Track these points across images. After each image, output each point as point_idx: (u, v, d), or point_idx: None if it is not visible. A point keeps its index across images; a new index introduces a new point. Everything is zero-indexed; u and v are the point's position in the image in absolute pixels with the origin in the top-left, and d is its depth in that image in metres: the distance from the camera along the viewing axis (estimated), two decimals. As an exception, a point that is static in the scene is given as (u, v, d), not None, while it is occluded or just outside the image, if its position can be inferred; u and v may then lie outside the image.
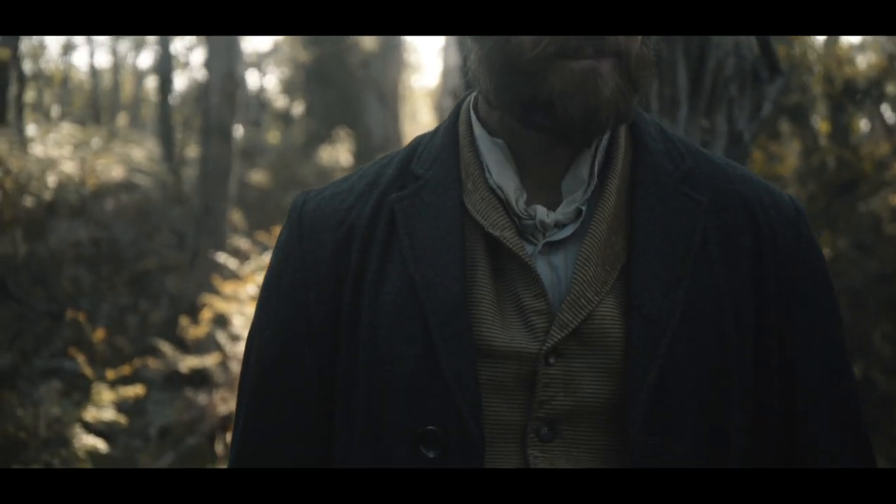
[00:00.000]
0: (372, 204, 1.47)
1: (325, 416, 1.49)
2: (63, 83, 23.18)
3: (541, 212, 1.41)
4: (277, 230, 8.35)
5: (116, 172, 12.74)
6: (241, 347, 6.77)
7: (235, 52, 9.97)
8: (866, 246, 7.42)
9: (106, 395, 5.74)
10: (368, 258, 1.44)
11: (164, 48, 17.48)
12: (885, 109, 10.22)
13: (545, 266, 1.40)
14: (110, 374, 6.01)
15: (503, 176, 1.43)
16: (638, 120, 1.48)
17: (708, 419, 1.38)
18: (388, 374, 1.40)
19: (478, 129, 1.47)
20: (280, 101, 24.48)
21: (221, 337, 7.05)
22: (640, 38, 1.34)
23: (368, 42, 18.93)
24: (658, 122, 1.52)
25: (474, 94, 1.52)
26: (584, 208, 1.42)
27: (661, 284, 1.38)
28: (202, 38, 20.61)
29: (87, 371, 5.97)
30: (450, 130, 1.51)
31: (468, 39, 1.44)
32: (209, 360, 7.00)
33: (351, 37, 18.59)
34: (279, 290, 1.51)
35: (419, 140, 1.55)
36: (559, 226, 1.41)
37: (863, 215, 7.86)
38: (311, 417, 1.49)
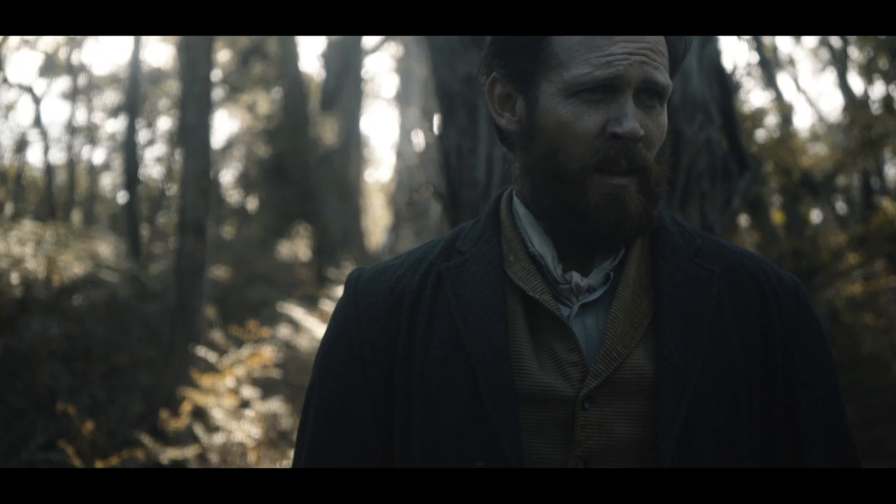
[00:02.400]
0: (421, 273, 1.74)
1: (379, 460, 1.70)
2: (17, 179, 23.11)
3: (576, 277, 1.66)
4: (251, 325, 8.47)
5: (80, 268, 12.77)
6: (218, 439, 6.88)
7: (209, 150, 10.15)
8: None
9: (95, 486, 5.79)
10: (418, 317, 1.69)
11: (130, 143, 17.56)
12: (837, 200, 10.57)
13: (578, 324, 1.65)
14: (99, 464, 6.09)
15: (544, 246, 1.68)
16: None
17: (724, 455, 1.61)
18: (440, 418, 1.63)
19: (522, 210, 1.73)
20: (235, 196, 24.57)
21: (199, 429, 7.13)
22: (656, 157, 1.62)
23: (329, 137, 19.15)
24: (669, 212, 1.78)
25: (510, 189, 1.80)
26: (612, 274, 1.67)
27: (685, 339, 1.61)
28: (173, 136, 20.72)
29: (77, 462, 6.04)
30: (491, 217, 1.78)
31: (507, 151, 1.74)
32: (189, 452, 7.07)
33: (311, 133, 18.78)
34: (337, 348, 1.76)
35: (462, 226, 1.82)
36: (590, 290, 1.66)
37: (820, 304, 8.11)
38: (367, 460, 1.70)
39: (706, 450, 1.59)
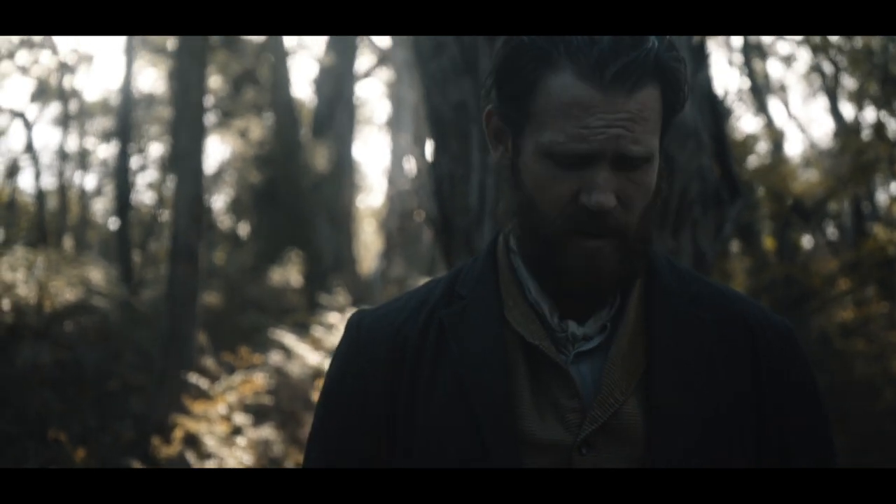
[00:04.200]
0: (423, 319, 1.73)
1: None
2: (8, 205, 23.09)
3: (572, 326, 1.66)
4: (243, 351, 8.45)
5: (71, 294, 12.77)
6: (209, 465, 6.86)
7: (202, 176, 10.16)
8: (817, 360, 7.67)
9: (87, 514, 5.78)
10: (421, 365, 1.69)
11: (122, 168, 17.56)
12: (828, 226, 10.60)
13: (576, 371, 1.65)
14: (91, 493, 6.07)
15: (540, 294, 1.68)
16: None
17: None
18: (441, 463, 1.62)
19: (517, 261, 1.73)
20: (227, 222, 24.59)
21: (191, 456, 7.11)
22: (637, 216, 1.60)
23: (321, 163, 19.18)
24: (665, 253, 1.79)
25: (508, 229, 1.79)
26: (609, 324, 1.67)
27: (678, 389, 1.62)
28: (167, 159, 20.73)
29: (68, 491, 6.01)
30: (488, 259, 1.77)
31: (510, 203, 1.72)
32: (180, 480, 7.05)
33: (303, 159, 18.81)
34: (340, 393, 1.76)
35: (461, 266, 1.82)
36: (586, 338, 1.67)
37: (812, 330, 8.13)
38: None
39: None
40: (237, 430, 7.16)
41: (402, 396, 1.69)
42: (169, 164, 20.67)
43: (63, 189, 23.47)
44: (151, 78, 25.78)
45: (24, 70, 21.11)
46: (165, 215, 22.53)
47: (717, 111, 4.73)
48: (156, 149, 24.83)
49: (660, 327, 1.67)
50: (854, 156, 8.08)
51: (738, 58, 15.53)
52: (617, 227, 1.57)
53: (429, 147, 4.52)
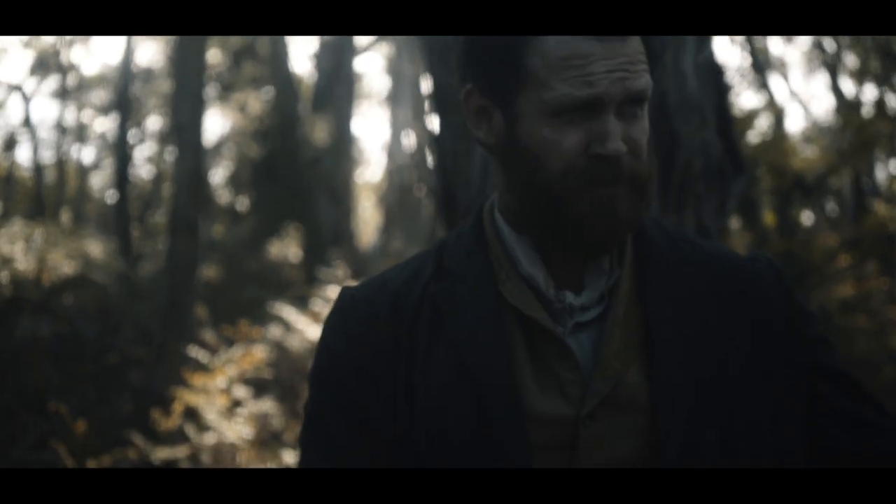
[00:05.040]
0: (417, 294, 1.70)
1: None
2: (6, 179, 23.09)
3: (570, 296, 1.64)
4: (243, 325, 8.46)
5: (70, 268, 12.77)
6: (209, 439, 6.87)
7: (202, 149, 10.15)
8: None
9: (87, 486, 5.80)
10: (417, 341, 1.66)
11: (121, 142, 17.53)
12: (828, 202, 10.60)
13: (575, 343, 1.63)
14: (92, 464, 6.08)
15: (533, 267, 1.66)
16: None
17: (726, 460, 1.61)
18: (446, 442, 1.60)
19: (505, 229, 1.71)
20: (225, 196, 24.58)
21: (190, 429, 7.12)
22: (643, 160, 1.59)
23: (320, 138, 19.15)
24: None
25: (492, 199, 1.77)
26: (606, 294, 1.66)
27: (678, 353, 1.61)
28: (165, 132, 20.67)
29: (69, 462, 6.03)
30: (474, 231, 1.75)
31: (497, 169, 1.70)
32: (180, 452, 7.06)
33: (302, 133, 18.78)
34: (338, 368, 1.70)
35: (446, 239, 1.79)
36: (584, 308, 1.65)
37: (813, 306, 8.13)
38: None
39: (707, 458, 1.59)
40: (237, 404, 7.16)
41: (400, 371, 1.65)
42: (169, 137, 20.62)
43: (61, 162, 23.47)
44: (150, 51, 25.73)
45: (23, 43, 21.06)
46: (164, 189, 22.52)
47: (720, 86, 4.71)
48: (154, 122, 24.82)
49: (655, 293, 1.66)
50: (856, 132, 8.07)
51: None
52: (629, 172, 1.56)
53: (432, 121, 4.50)
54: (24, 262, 11.71)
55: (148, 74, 23.30)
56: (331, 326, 1.75)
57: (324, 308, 8.95)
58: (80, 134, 25.51)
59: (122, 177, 16.83)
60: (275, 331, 9.17)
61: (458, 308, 1.65)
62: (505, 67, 1.58)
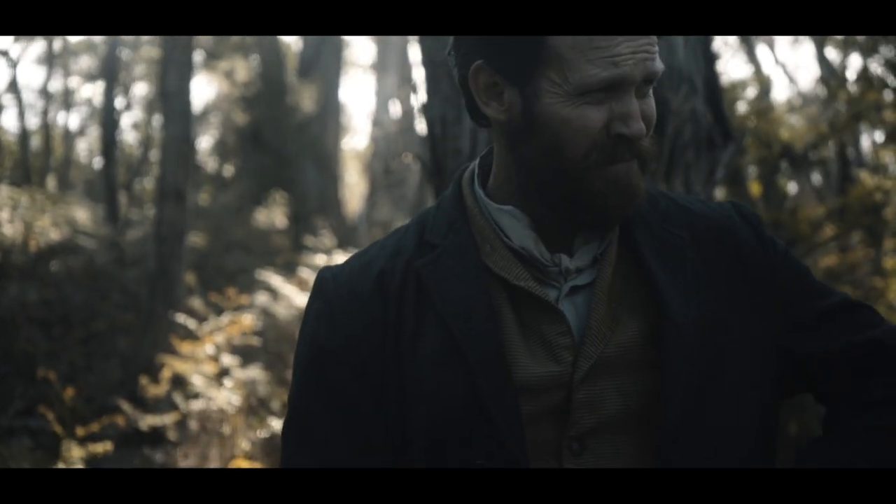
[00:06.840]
0: (401, 270, 1.70)
1: (390, 458, 1.67)
2: (-9, 145, 22.94)
3: (565, 260, 1.66)
4: (230, 292, 8.47)
5: (57, 234, 12.74)
6: (197, 406, 6.89)
7: (190, 116, 10.12)
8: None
9: (76, 451, 5.83)
10: (404, 318, 1.66)
11: (108, 108, 17.43)
12: (813, 172, 10.63)
13: (570, 307, 1.66)
14: (80, 431, 6.11)
15: (522, 237, 1.68)
16: None
17: (725, 415, 1.65)
18: (438, 416, 1.62)
19: (485, 200, 1.72)
20: (211, 164, 24.50)
21: (178, 396, 7.15)
22: (649, 136, 1.62)
23: (307, 105, 19.10)
24: None
25: (469, 169, 1.79)
26: (599, 257, 1.69)
27: (679, 306, 1.64)
28: (152, 99, 20.55)
29: (57, 428, 6.05)
30: (455, 202, 1.76)
31: (510, 147, 1.70)
32: (168, 419, 7.09)
33: (288, 101, 18.73)
34: (322, 358, 1.70)
35: (425, 213, 1.80)
36: (578, 271, 1.67)
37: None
38: (377, 459, 1.67)
39: (708, 415, 1.63)
40: (224, 371, 7.18)
41: (388, 350, 1.66)
42: (156, 104, 20.52)
43: (47, 128, 23.31)
44: (136, 17, 25.49)
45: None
46: (152, 155, 22.44)
47: (709, 55, 4.73)
48: (140, 89, 24.69)
49: (642, 252, 1.68)
50: (850, 105, 8.08)
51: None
52: (644, 150, 1.59)
53: (421, 89, 4.50)
54: (10, 229, 11.68)
55: (135, 41, 23.14)
56: (314, 313, 1.74)
57: (311, 276, 8.96)
58: (67, 100, 25.35)
59: (108, 143, 16.75)
60: (262, 298, 9.19)
61: (444, 282, 1.66)
62: (525, 48, 1.58)
